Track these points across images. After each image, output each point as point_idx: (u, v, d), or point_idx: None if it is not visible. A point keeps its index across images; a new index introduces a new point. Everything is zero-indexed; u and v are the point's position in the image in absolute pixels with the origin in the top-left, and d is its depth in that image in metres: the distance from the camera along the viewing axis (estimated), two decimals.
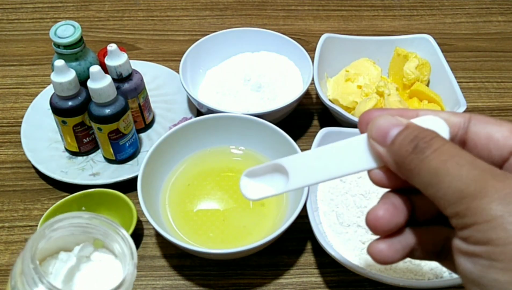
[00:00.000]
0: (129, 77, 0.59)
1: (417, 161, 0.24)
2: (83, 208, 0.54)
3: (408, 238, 0.27)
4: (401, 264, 0.47)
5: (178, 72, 0.65)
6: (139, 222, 0.55)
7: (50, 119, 0.63)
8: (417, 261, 0.47)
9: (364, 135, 0.28)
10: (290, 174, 0.29)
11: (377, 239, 0.27)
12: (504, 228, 0.20)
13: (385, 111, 0.27)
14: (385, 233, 0.26)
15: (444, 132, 0.26)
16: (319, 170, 0.29)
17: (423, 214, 0.28)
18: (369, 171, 0.28)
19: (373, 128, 0.26)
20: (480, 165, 0.22)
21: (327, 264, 0.52)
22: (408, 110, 0.28)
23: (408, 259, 0.47)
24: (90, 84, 0.53)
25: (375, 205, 0.27)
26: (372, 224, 0.26)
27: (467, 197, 0.21)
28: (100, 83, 0.53)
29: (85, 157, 0.62)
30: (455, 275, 0.47)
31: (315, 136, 0.55)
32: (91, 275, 0.37)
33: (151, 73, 0.71)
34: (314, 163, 0.29)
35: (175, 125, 0.64)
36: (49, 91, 0.67)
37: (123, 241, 0.35)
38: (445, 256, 0.27)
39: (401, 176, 0.25)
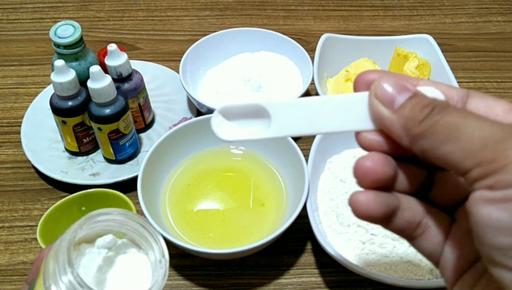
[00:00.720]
0: (129, 77, 0.59)
1: (432, 121, 0.23)
2: (83, 208, 0.54)
3: (393, 199, 0.25)
4: (401, 264, 0.47)
5: (178, 72, 0.65)
6: None
7: (50, 119, 0.63)
8: (417, 261, 0.47)
9: (364, 94, 0.26)
10: (273, 120, 0.26)
11: (362, 191, 0.25)
12: None
13: (384, 74, 0.26)
14: (374, 182, 0.25)
15: None
16: (306, 121, 0.26)
17: (405, 184, 0.27)
18: (358, 133, 0.26)
19: (378, 88, 0.25)
20: (499, 122, 0.22)
21: (327, 264, 0.52)
22: (408, 77, 0.27)
23: (408, 259, 0.47)
24: (90, 84, 0.53)
25: (364, 155, 0.25)
26: (362, 170, 0.24)
27: (494, 143, 0.20)
28: (100, 83, 0.53)
29: (85, 157, 0.62)
30: None
31: (315, 136, 0.55)
32: (118, 269, 0.36)
33: (151, 73, 0.71)
34: (302, 112, 0.26)
35: (175, 125, 0.64)
36: (49, 91, 0.67)
37: (154, 241, 0.34)
38: (420, 233, 0.27)
39: (404, 141, 0.24)
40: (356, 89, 0.27)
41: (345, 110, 0.26)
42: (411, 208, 0.26)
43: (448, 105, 0.23)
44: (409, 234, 0.27)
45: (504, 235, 0.20)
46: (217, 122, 0.27)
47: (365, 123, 0.26)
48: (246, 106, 0.27)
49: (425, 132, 0.23)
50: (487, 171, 0.21)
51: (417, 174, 0.27)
